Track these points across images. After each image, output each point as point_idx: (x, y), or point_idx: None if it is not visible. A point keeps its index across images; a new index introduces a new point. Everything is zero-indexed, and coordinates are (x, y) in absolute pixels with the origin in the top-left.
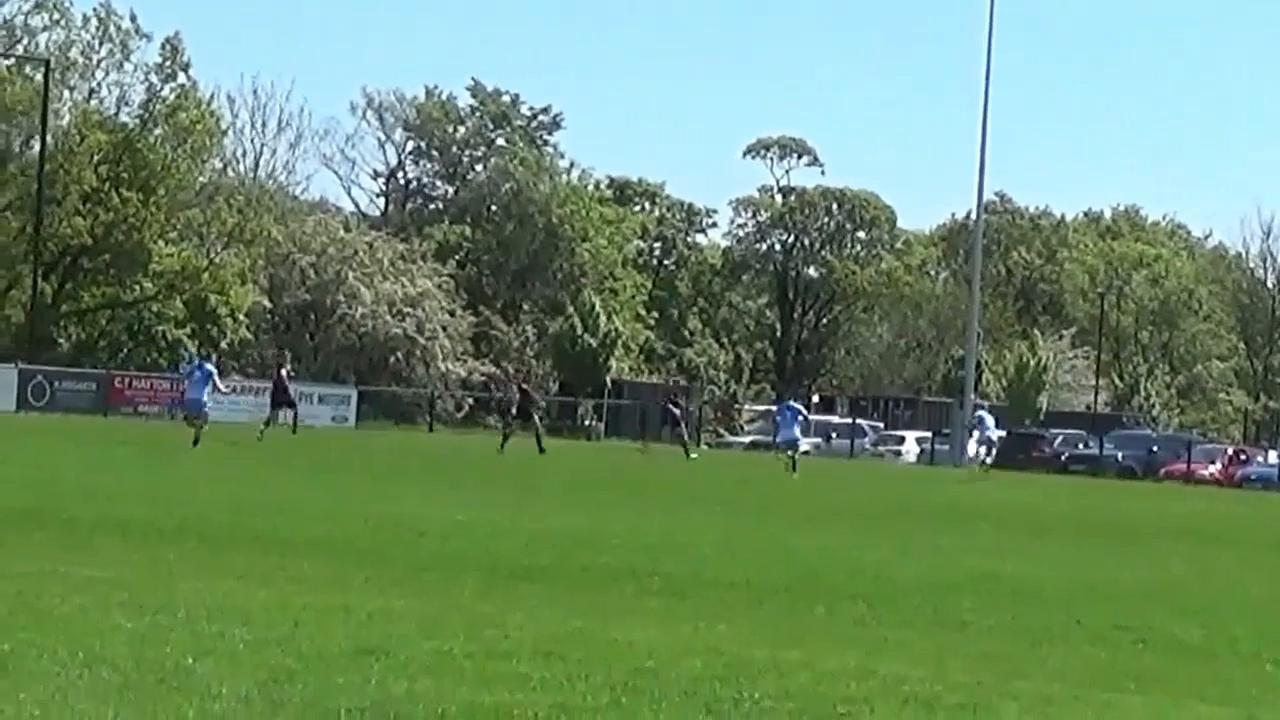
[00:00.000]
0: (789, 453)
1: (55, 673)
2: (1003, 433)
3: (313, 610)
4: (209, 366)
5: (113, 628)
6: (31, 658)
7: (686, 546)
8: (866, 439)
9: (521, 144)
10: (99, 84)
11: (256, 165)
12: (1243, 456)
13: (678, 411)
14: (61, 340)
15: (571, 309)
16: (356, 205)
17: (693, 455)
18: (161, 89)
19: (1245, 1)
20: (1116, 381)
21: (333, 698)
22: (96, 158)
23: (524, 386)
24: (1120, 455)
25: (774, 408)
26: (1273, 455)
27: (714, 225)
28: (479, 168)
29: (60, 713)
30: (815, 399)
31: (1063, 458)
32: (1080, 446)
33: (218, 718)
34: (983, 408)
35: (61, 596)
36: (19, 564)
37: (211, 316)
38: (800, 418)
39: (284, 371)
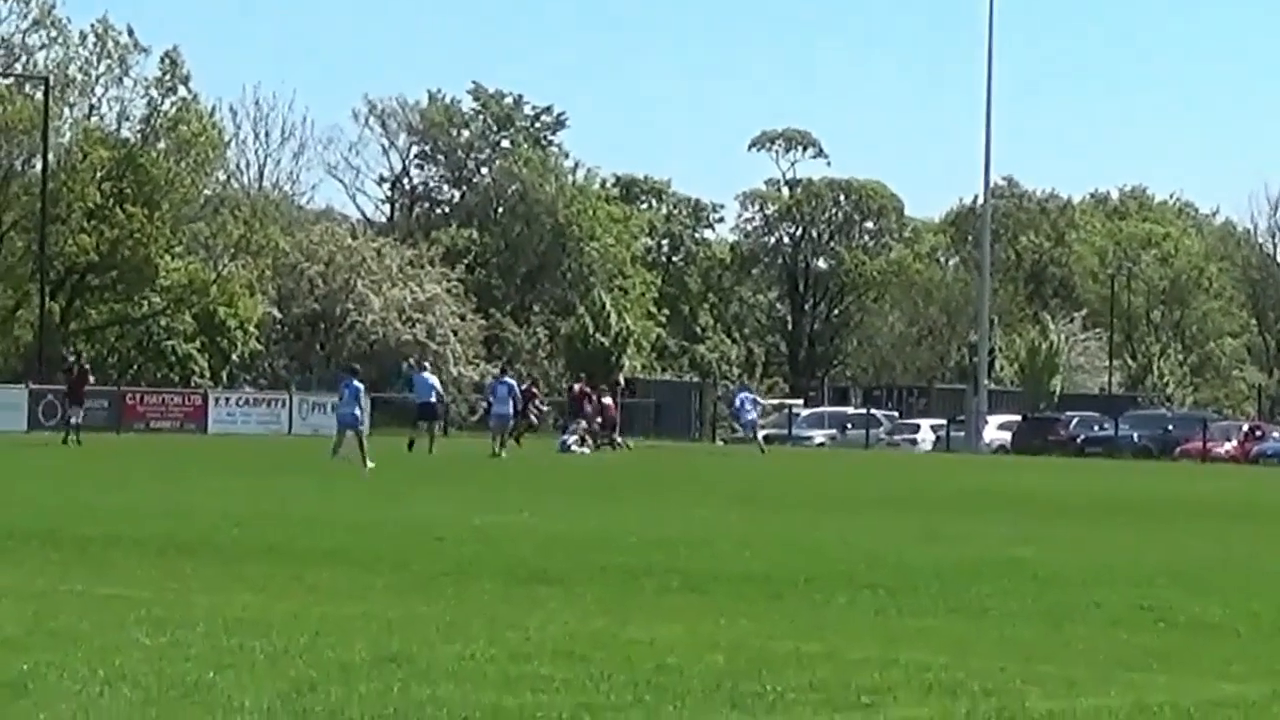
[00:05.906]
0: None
1: (76, 691)
2: (754, 416)
3: (332, 619)
4: (355, 383)
5: (132, 644)
6: (51, 677)
7: (704, 541)
8: (881, 429)
9: (526, 145)
10: (99, 100)
11: (261, 176)
12: (1258, 433)
13: (590, 407)
14: (70, 358)
15: (582, 308)
16: (362, 212)
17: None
18: (162, 103)
19: None
20: (1129, 362)
21: (355, 706)
22: (99, 174)
23: (532, 390)
24: (1136, 435)
25: (789, 402)
26: None
27: (721, 220)
28: (484, 170)
29: None
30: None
31: (1079, 440)
32: (1096, 428)
33: None
34: (746, 389)
35: (79, 615)
36: (35, 583)
37: (221, 329)
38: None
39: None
